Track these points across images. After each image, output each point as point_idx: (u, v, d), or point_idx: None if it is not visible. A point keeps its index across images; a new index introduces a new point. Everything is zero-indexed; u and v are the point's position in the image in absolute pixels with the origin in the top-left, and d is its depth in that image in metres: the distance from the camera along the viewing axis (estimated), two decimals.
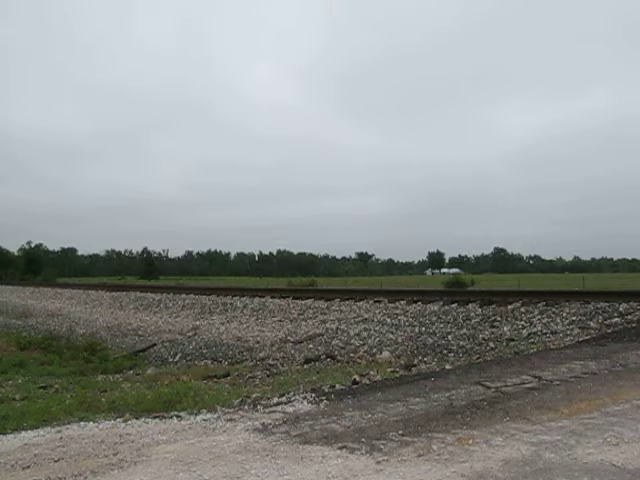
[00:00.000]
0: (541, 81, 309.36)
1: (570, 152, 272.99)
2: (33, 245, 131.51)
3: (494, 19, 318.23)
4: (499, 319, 12.33)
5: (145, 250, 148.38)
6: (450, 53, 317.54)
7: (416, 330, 12.73)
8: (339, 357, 11.37)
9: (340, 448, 3.67)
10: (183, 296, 24.73)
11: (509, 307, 13.08)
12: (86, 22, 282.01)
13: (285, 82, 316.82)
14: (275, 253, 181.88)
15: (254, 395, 6.82)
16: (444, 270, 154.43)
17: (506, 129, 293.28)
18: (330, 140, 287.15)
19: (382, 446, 3.68)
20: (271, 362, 11.63)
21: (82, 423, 4.82)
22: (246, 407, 5.21)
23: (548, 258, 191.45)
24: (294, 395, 5.64)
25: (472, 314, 13.15)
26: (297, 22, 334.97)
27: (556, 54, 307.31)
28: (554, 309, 12.15)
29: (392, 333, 12.83)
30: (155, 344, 15.95)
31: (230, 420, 4.57)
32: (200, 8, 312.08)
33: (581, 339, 9.64)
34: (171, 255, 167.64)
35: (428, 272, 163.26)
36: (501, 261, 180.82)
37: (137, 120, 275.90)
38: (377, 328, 13.51)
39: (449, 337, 11.73)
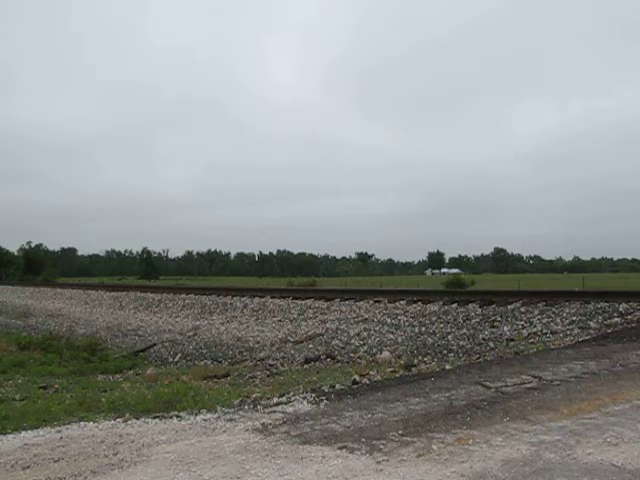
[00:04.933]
0: (547, 83, 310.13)
1: (571, 153, 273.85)
2: (33, 245, 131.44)
3: (508, 20, 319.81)
4: (499, 319, 12.33)
5: (145, 250, 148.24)
6: (465, 53, 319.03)
7: (416, 330, 12.73)
8: (339, 357, 11.37)
9: (340, 448, 3.67)
10: (183, 296, 24.73)
11: (509, 307, 13.08)
12: (94, 20, 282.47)
13: (306, 81, 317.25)
14: (275, 253, 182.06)
15: (254, 395, 6.82)
16: (444, 270, 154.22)
17: (510, 130, 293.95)
18: (335, 140, 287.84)
19: (382, 446, 3.68)
20: (271, 362, 11.64)
21: (82, 423, 4.81)
22: (246, 407, 5.21)
23: (548, 258, 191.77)
24: (294, 395, 5.64)
25: (472, 314, 13.14)
26: (320, 18, 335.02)
27: (565, 55, 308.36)
28: (554, 309, 12.15)
29: (392, 333, 12.83)
30: (155, 344, 15.95)
31: (230, 420, 4.57)
32: (216, 6, 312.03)
33: (581, 339, 9.64)
34: (171, 255, 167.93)
35: (428, 272, 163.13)
36: (501, 261, 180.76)
37: (141, 120, 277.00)
38: (377, 328, 13.51)
39: (449, 337, 11.73)
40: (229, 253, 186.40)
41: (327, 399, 5.22)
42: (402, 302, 15.70)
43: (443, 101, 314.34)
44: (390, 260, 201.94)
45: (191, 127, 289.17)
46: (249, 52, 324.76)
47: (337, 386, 6.74)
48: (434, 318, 13.48)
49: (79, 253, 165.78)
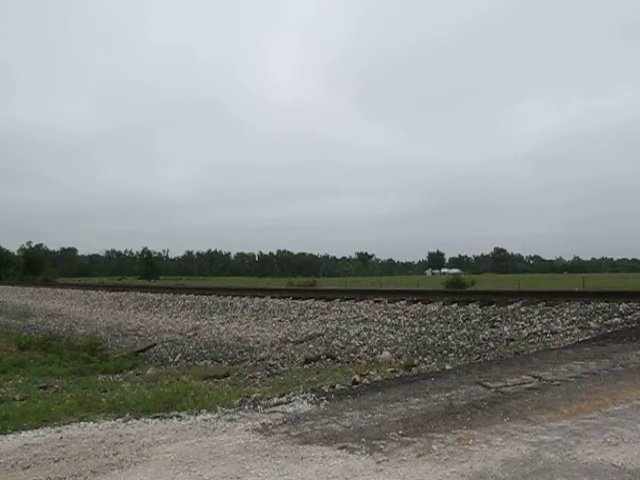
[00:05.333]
0: (547, 83, 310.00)
1: (571, 153, 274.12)
2: (33, 245, 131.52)
3: (508, 20, 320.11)
4: (499, 319, 12.33)
5: (145, 250, 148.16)
6: (465, 53, 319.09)
7: (416, 330, 12.73)
8: (339, 357, 11.37)
9: (340, 448, 3.67)
10: (183, 296, 24.72)
11: (509, 307, 13.07)
12: (94, 20, 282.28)
13: (306, 81, 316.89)
14: (275, 253, 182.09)
15: (254, 395, 6.82)
16: (444, 270, 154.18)
17: (510, 130, 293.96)
18: (335, 140, 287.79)
19: (382, 446, 3.68)
20: (271, 362, 11.63)
21: (82, 423, 4.81)
22: (246, 407, 5.21)
23: (548, 258, 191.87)
24: (294, 395, 5.64)
25: (472, 314, 13.14)
26: (320, 18, 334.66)
27: (565, 55, 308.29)
28: (554, 309, 12.15)
29: (392, 333, 12.83)
30: (155, 344, 15.95)
31: (230, 420, 4.57)
32: (216, 6, 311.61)
33: (581, 339, 9.64)
34: (171, 255, 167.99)
35: (428, 272, 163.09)
36: (501, 261, 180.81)
37: (141, 120, 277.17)
38: (377, 328, 13.51)
39: (449, 337, 11.72)
40: (229, 253, 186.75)
41: (327, 399, 5.22)
42: (402, 302, 15.69)
43: (443, 101, 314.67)
44: (390, 260, 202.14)
45: (191, 127, 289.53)
46: (249, 52, 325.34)
47: (337, 386, 6.74)
48: (434, 318, 13.48)
49: (79, 253, 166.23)
